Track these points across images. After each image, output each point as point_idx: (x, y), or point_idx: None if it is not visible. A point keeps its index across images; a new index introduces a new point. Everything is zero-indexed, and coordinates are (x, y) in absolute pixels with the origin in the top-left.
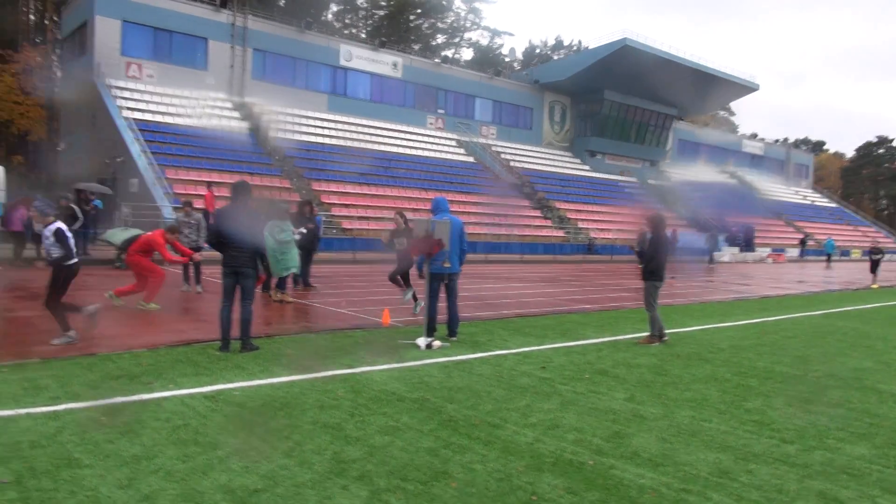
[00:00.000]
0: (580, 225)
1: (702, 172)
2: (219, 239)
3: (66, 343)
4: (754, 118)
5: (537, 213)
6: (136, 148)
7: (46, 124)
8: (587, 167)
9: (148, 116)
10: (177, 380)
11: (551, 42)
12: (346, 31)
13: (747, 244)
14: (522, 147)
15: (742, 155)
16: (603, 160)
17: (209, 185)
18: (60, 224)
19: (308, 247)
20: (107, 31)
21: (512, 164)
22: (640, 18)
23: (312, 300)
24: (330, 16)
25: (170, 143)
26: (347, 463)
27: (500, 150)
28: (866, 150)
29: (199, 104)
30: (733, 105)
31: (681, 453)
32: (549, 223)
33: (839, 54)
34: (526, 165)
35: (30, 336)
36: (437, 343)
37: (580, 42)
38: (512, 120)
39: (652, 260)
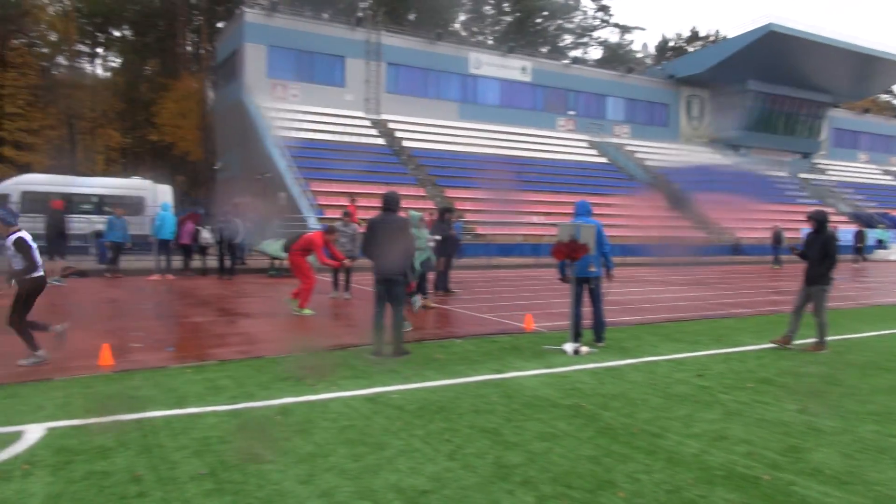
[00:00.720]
0: (723, 224)
1: (861, 166)
2: (372, 248)
3: (34, 364)
4: None
5: (674, 213)
6: (282, 163)
7: (203, 146)
8: (729, 161)
9: (293, 133)
10: (338, 382)
11: (686, 34)
12: (473, 40)
13: None
14: (657, 145)
15: None
16: (748, 154)
17: (352, 198)
18: (23, 233)
19: (449, 253)
20: (255, 56)
21: (647, 162)
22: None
23: (453, 305)
24: (457, 25)
25: (313, 157)
26: (510, 468)
27: (633, 148)
28: None
29: (338, 119)
30: None
31: (869, 471)
32: (688, 223)
33: None
34: (661, 163)
35: (206, 340)
36: (584, 349)
37: (717, 32)
38: (646, 117)
39: (821, 262)
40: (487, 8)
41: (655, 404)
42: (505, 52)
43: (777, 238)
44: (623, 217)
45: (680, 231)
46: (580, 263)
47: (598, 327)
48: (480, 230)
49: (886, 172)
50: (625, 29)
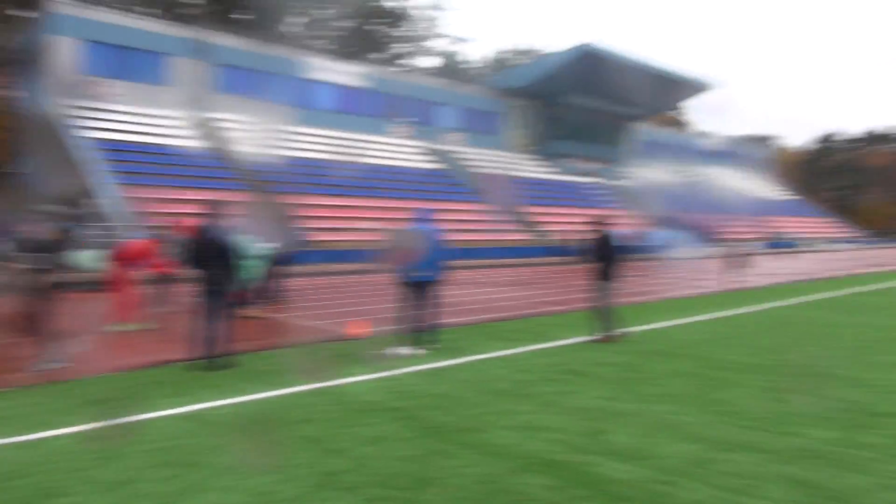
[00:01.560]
0: (545, 227)
1: (662, 173)
2: (199, 257)
3: None
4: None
5: (505, 217)
6: (93, 167)
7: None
8: (554, 170)
9: (107, 135)
10: (156, 402)
11: (514, 48)
12: (309, 44)
13: (705, 239)
14: (489, 153)
15: (699, 152)
16: (568, 163)
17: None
18: None
19: (282, 261)
20: (66, 51)
21: (478, 170)
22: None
23: (284, 315)
24: (290, 28)
25: (130, 161)
26: (335, 475)
27: (467, 156)
28: (819, 143)
29: (160, 121)
30: (696, 105)
31: (662, 446)
32: (515, 227)
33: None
34: (493, 170)
35: (3, 364)
36: (415, 351)
37: (542, 47)
38: (478, 126)
39: (600, 260)
40: (323, 13)
41: (479, 401)
42: (342, 58)
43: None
44: (458, 222)
45: (507, 234)
46: (414, 267)
47: (430, 330)
48: (312, 237)
49: (681, 180)
50: (459, 40)
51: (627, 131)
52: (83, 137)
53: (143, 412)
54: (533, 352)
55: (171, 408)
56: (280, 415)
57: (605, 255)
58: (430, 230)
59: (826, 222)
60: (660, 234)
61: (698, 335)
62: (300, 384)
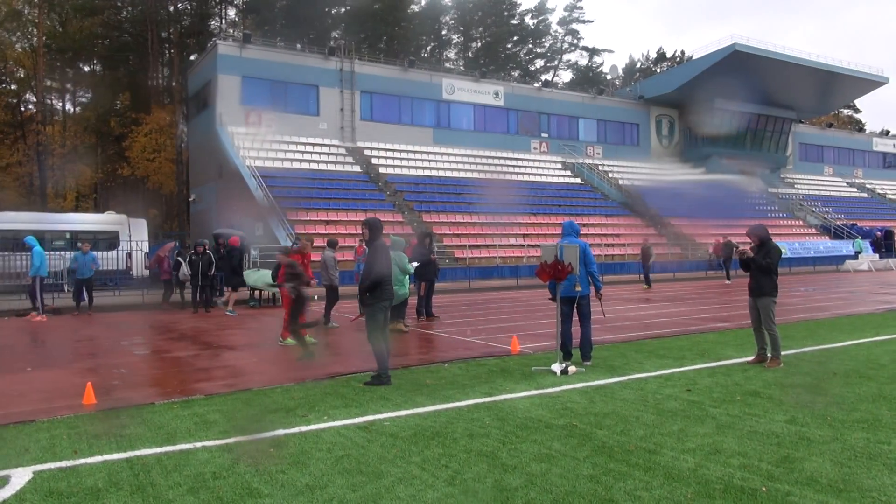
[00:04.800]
0: (699, 241)
1: (826, 179)
2: (377, 277)
3: None
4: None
5: (652, 230)
6: (258, 194)
7: (176, 178)
8: (701, 172)
9: (268, 163)
10: (329, 412)
11: (653, 55)
12: (446, 66)
13: (888, 249)
14: (631, 164)
15: (872, 155)
16: (718, 171)
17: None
18: None
19: (429, 277)
20: (228, 87)
21: (621, 181)
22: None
23: (437, 330)
24: (425, 54)
25: (290, 186)
26: (510, 491)
27: (606, 168)
28: None
29: (313, 148)
30: (859, 102)
31: (863, 478)
32: (664, 240)
33: None
34: (636, 182)
35: (190, 374)
36: (572, 368)
37: (682, 52)
38: (618, 137)
39: (767, 274)
40: (457, 36)
41: (648, 420)
42: (477, 78)
43: (647, 255)
44: (603, 237)
45: (660, 248)
46: (567, 283)
47: (586, 346)
48: (459, 254)
49: (851, 185)
50: (594, 52)
51: (785, 135)
52: (248, 167)
53: (320, 421)
54: (699, 370)
55: (346, 418)
56: (448, 428)
57: (763, 268)
58: (581, 244)
59: None
60: (827, 245)
61: (892, 355)
62: (464, 398)
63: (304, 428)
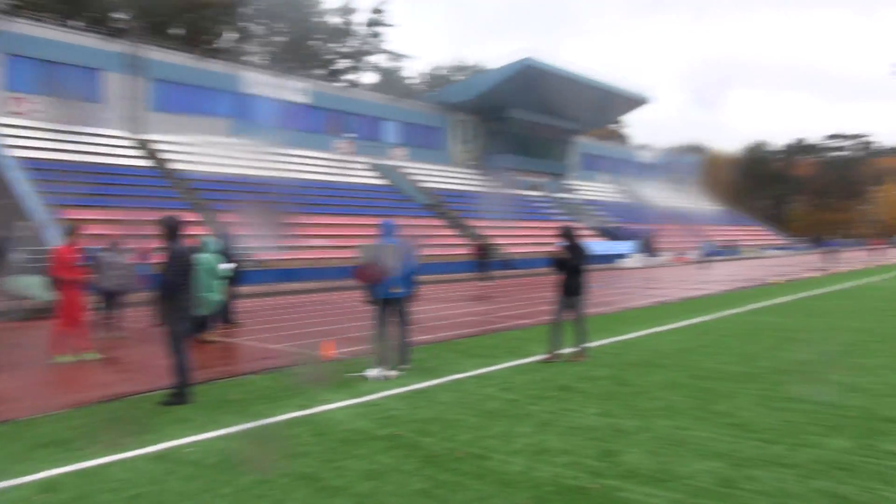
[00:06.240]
0: (495, 242)
1: (602, 186)
2: (173, 283)
3: None
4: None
5: (452, 232)
6: (23, 188)
7: None
8: (497, 184)
9: (38, 154)
10: (117, 441)
11: (453, 64)
12: (246, 59)
13: (651, 249)
14: (433, 167)
15: (637, 164)
16: (512, 176)
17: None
18: None
19: (232, 281)
20: None
21: (423, 184)
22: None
23: (241, 338)
24: (226, 44)
25: (65, 181)
26: None
27: (411, 171)
28: (748, 154)
29: (95, 139)
30: (629, 118)
31: (676, 466)
32: (464, 241)
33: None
34: (437, 185)
35: None
36: (390, 373)
37: (481, 62)
38: (421, 141)
39: (580, 273)
40: (260, 28)
41: (472, 423)
42: (282, 73)
43: (485, 252)
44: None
45: (456, 249)
46: (385, 284)
47: (404, 349)
48: (259, 256)
49: (621, 191)
50: (397, 56)
51: (570, 145)
52: (8, 157)
53: (104, 455)
54: (513, 368)
55: (139, 447)
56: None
57: (575, 267)
58: (401, 244)
59: (758, 230)
60: (605, 245)
61: (675, 344)
62: (278, 413)
63: (83, 464)
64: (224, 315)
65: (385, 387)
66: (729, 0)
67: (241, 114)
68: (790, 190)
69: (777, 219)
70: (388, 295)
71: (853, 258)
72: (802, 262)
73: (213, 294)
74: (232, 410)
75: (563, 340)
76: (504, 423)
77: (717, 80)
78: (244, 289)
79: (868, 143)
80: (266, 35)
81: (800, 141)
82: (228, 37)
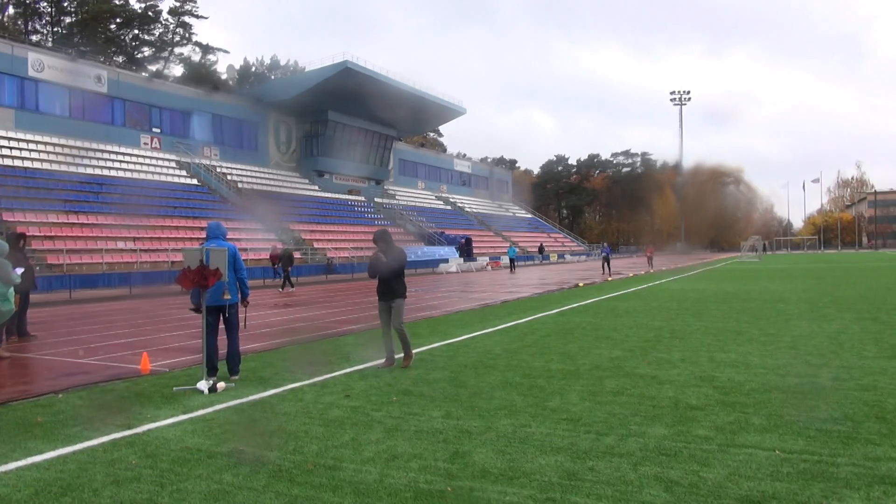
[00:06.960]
0: (316, 245)
1: (421, 192)
2: None
3: None
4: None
5: (271, 235)
6: None
7: None
8: (316, 187)
9: None
10: None
11: (267, 61)
12: (32, 37)
13: (468, 254)
14: (249, 168)
15: (454, 173)
16: (331, 180)
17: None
18: None
19: (25, 288)
20: None
21: (240, 185)
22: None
23: (38, 352)
24: (5, 20)
25: None
26: None
27: (225, 171)
28: (549, 168)
29: None
30: (443, 128)
31: (523, 462)
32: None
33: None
34: (255, 187)
35: None
36: (220, 384)
37: (296, 62)
38: (235, 140)
39: (398, 276)
40: (46, 4)
41: (318, 433)
42: (74, 57)
43: (283, 259)
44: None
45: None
46: (213, 291)
47: (234, 359)
48: (52, 260)
49: (438, 198)
50: (208, 49)
51: (388, 151)
52: None
53: None
54: (350, 374)
55: None
56: (83, 478)
57: (396, 271)
58: (230, 248)
59: (559, 237)
60: (426, 250)
61: (503, 345)
62: (96, 436)
63: None
64: (17, 327)
65: (217, 399)
66: (527, 25)
67: (28, 101)
68: (584, 201)
69: (574, 227)
70: (218, 301)
71: (636, 264)
72: (598, 267)
73: (5, 304)
74: (38, 435)
75: (395, 345)
76: (351, 431)
77: (523, 95)
78: (36, 297)
79: (650, 160)
80: (55, 13)
81: (592, 157)
82: (9, 11)
